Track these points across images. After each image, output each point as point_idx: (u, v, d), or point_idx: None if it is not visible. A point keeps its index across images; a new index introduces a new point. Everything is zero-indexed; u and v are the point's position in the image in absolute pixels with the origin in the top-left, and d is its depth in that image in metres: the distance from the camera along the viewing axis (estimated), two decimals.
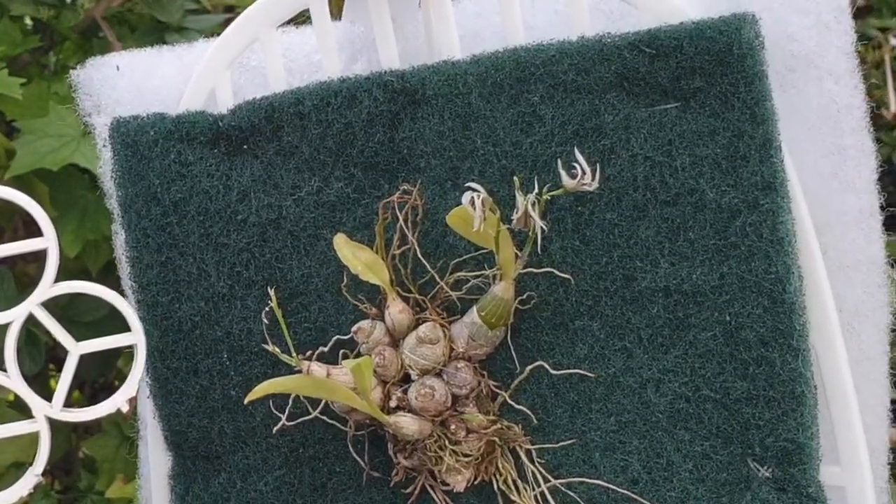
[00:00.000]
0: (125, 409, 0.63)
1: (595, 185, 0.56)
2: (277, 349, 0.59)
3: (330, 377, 0.59)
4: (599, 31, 0.60)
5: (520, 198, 0.56)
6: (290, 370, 0.61)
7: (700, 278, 0.58)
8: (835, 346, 0.59)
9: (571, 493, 0.60)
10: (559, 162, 0.58)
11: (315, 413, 0.62)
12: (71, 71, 0.69)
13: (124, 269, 0.70)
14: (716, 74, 0.57)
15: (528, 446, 0.61)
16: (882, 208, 0.62)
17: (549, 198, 0.57)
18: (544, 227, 0.57)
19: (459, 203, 0.60)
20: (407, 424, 0.59)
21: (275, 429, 0.62)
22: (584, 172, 0.55)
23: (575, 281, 0.60)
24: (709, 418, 0.59)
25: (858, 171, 0.59)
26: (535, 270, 0.60)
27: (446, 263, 0.61)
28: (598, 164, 0.58)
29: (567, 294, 0.60)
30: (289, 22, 0.66)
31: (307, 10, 0.65)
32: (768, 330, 0.58)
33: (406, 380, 0.61)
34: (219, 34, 0.68)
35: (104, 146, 0.68)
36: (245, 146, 0.64)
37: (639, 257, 0.59)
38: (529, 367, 0.61)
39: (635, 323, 0.59)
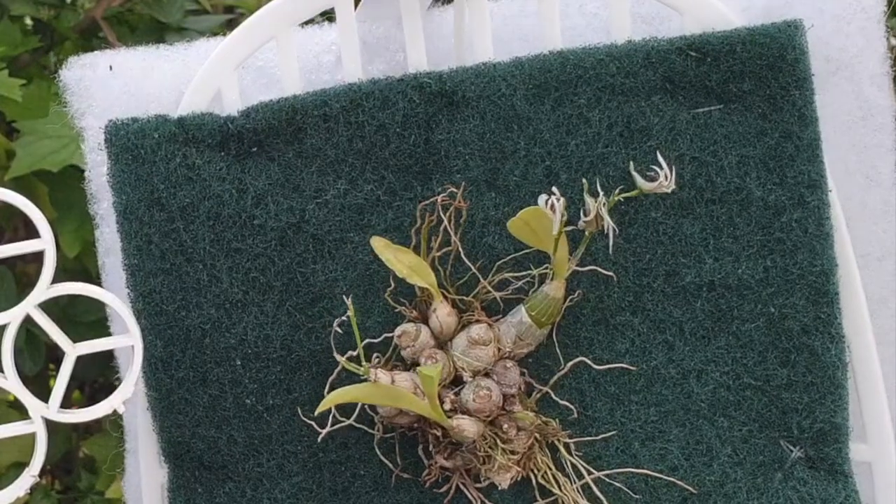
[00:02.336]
0: (121, 410, 0.62)
1: (673, 186, 0.57)
2: (344, 359, 0.58)
3: (394, 384, 0.58)
4: (633, 36, 0.61)
5: (590, 200, 0.57)
6: (313, 376, 0.61)
7: (745, 272, 0.60)
8: (865, 332, 0.62)
9: (616, 483, 0.61)
10: (632, 165, 0.59)
11: (349, 421, 0.61)
12: (59, 71, 0.66)
13: (106, 276, 0.67)
14: (766, 78, 0.59)
15: (567, 440, 0.62)
16: None
17: (620, 199, 0.58)
18: (615, 228, 0.58)
19: (497, 204, 0.61)
20: (467, 427, 0.59)
21: (319, 437, 0.61)
22: (664, 175, 0.56)
23: (617, 278, 0.61)
24: (749, 404, 0.61)
25: (885, 167, 0.63)
26: (578, 269, 0.61)
27: (485, 264, 0.61)
28: (673, 167, 0.59)
29: (608, 290, 0.61)
30: None
31: None
32: (811, 319, 0.60)
33: (455, 382, 0.61)
34: (219, 35, 0.65)
35: (98, 148, 0.65)
36: (255, 148, 0.62)
37: (682, 254, 0.61)
38: (570, 363, 0.61)
39: (677, 317, 0.61)
